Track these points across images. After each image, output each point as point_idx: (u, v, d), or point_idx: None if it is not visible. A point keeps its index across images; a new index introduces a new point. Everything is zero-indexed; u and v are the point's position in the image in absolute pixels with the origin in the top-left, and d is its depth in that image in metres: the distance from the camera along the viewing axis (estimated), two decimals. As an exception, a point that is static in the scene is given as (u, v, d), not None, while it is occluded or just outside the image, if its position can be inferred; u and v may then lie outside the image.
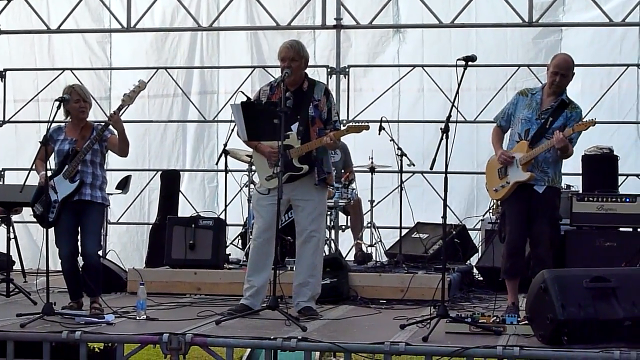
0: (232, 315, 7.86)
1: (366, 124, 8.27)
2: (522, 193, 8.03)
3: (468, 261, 10.94)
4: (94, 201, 8.14)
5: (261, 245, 8.14)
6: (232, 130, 9.83)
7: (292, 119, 8.02)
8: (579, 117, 8.07)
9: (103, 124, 8.12)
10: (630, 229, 10.25)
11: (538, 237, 7.99)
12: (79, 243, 8.16)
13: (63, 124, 8.27)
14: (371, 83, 13.07)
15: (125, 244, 13.31)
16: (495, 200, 8.69)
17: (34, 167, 8.11)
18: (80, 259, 8.20)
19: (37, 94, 13.30)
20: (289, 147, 7.98)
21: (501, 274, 8.26)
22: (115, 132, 8.07)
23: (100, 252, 8.46)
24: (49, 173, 8.04)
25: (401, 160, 10.77)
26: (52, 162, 8.21)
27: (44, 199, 7.95)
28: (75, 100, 8.14)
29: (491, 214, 11.13)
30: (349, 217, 11.48)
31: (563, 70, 8.03)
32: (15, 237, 10.40)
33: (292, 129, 8.03)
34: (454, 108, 7.45)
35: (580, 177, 10.97)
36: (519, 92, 8.33)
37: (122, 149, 8.18)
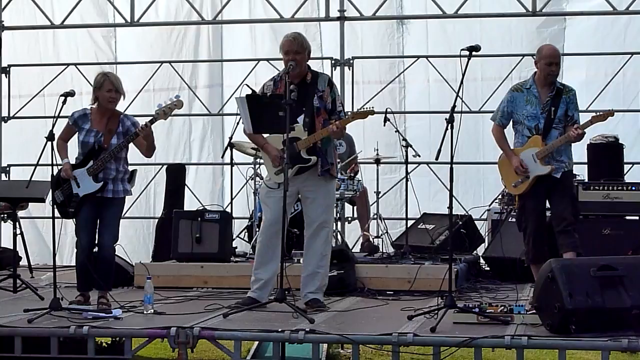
0: (240, 308, 7.87)
1: (372, 108, 8.24)
2: (541, 184, 8.18)
3: (475, 251, 10.94)
4: (116, 197, 8.16)
5: (269, 239, 8.13)
6: (238, 123, 9.84)
7: (298, 111, 8.01)
8: (575, 98, 8.29)
9: (133, 128, 8.08)
10: (637, 217, 10.25)
11: (562, 215, 8.12)
12: (97, 234, 8.17)
13: (89, 110, 8.19)
14: (376, 74, 13.07)
15: (131, 238, 13.30)
16: (514, 194, 8.75)
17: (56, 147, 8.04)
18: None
19: (42, 89, 13.29)
20: (296, 139, 7.97)
21: (526, 261, 8.45)
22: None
23: (115, 246, 8.43)
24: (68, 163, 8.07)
25: (406, 151, 10.74)
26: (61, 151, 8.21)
27: (66, 189, 8.01)
28: (107, 90, 8.08)
29: (497, 204, 11.13)
30: (355, 207, 11.48)
31: (557, 59, 8.34)
32: (21, 233, 10.42)
33: (298, 121, 8.02)
34: (458, 98, 7.45)
35: (586, 165, 10.96)
36: (513, 89, 8.45)
37: (148, 153, 8.23)
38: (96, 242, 8.18)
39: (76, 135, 8.23)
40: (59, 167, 8.11)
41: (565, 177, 8.21)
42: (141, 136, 8.04)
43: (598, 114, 8.20)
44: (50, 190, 8.20)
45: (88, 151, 8.10)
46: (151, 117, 8.06)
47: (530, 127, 8.21)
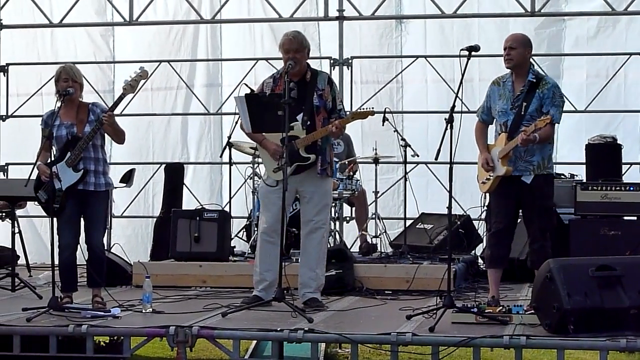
0: (239, 307, 7.87)
1: (372, 109, 8.23)
2: (510, 186, 7.79)
3: (473, 251, 10.94)
4: (98, 190, 8.11)
5: (270, 241, 8.14)
6: (236, 122, 9.81)
7: (297, 110, 8.01)
8: (552, 93, 7.74)
9: (99, 119, 8.01)
10: (635, 218, 10.24)
11: (528, 230, 7.87)
12: (83, 233, 8.11)
13: (55, 108, 8.04)
14: (374, 74, 13.07)
15: (129, 237, 13.30)
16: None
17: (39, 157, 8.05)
18: (83, 249, 8.17)
19: (40, 88, 13.27)
20: (294, 137, 7.97)
21: (485, 264, 8.28)
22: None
23: (104, 241, 8.38)
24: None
25: (405, 151, 10.75)
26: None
27: (49, 186, 7.91)
28: (63, 80, 8.05)
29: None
30: (353, 208, 11.48)
31: (509, 42, 7.92)
32: (19, 232, 10.42)
33: (297, 119, 8.02)
34: (457, 98, 7.45)
35: (584, 166, 10.95)
36: (492, 82, 8.15)
37: (117, 138, 8.19)
38: (84, 240, 8.12)
39: None
40: (38, 170, 8.05)
41: (535, 182, 7.72)
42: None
43: (540, 119, 7.52)
44: (39, 190, 8.15)
45: (63, 145, 8.06)
46: (119, 95, 8.01)
47: (501, 124, 7.86)
